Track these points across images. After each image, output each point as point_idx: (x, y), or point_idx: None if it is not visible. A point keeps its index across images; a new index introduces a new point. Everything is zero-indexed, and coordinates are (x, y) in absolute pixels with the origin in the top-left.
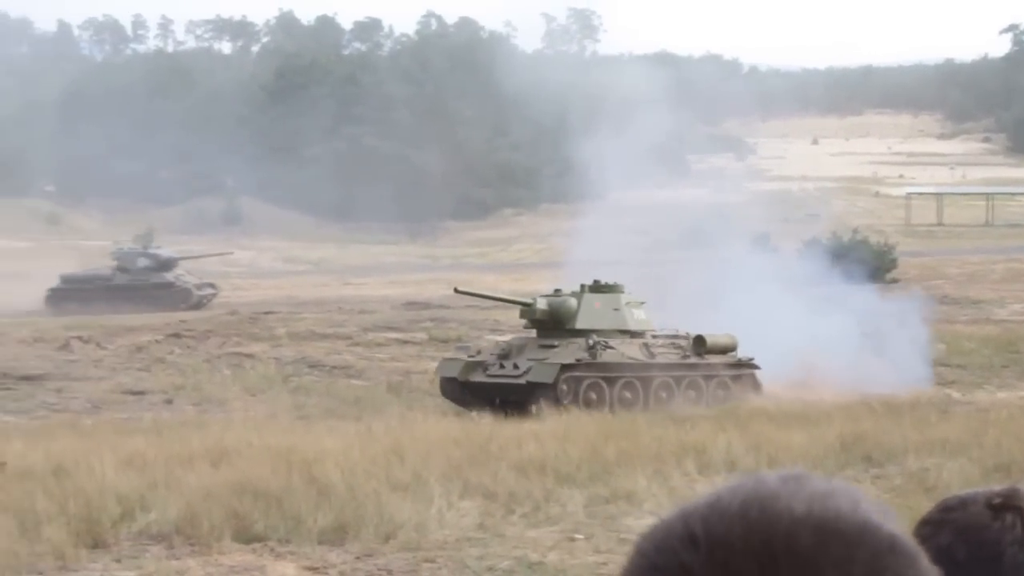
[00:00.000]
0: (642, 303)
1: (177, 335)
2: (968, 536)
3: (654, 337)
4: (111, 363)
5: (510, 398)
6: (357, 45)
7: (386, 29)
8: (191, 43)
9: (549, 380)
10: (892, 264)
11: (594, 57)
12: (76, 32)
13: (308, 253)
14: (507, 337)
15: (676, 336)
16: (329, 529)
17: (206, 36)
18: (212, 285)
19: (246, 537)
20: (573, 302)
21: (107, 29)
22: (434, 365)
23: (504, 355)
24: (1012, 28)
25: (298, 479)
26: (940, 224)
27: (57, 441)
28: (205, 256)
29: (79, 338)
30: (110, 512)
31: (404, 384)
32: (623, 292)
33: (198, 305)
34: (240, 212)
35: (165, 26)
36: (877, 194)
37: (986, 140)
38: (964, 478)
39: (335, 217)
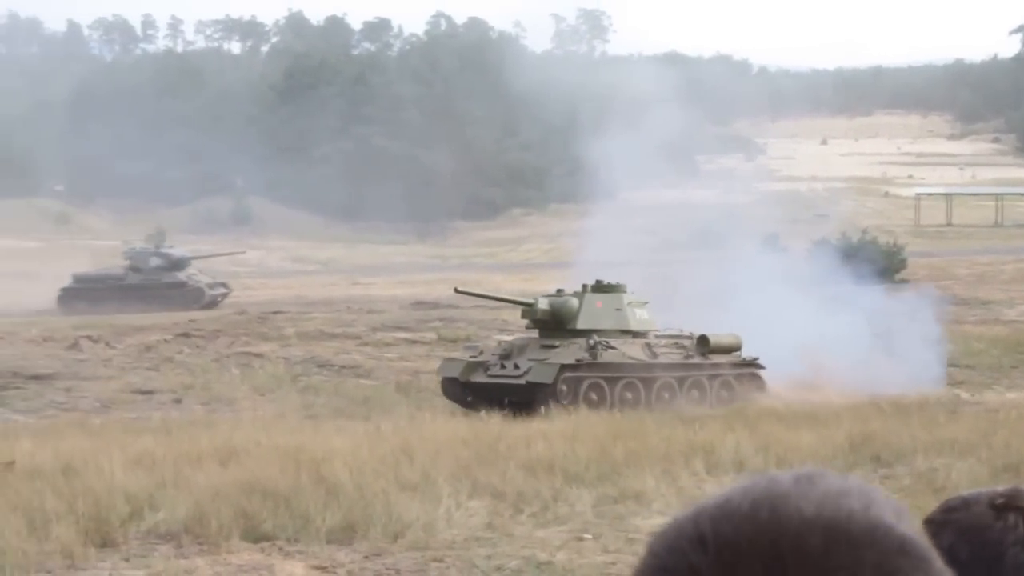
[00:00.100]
0: (645, 303)
1: (186, 335)
2: (971, 536)
3: (657, 337)
4: (120, 362)
5: (510, 399)
6: (366, 45)
7: (395, 29)
8: (201, 43)
9: (548, 380)
10: (901, 264)
11: (603, 57)
12: (86, 32)
13: (317, 253)
14: (515, 337)
15: (680, 336)
16: (338, 528)
17: (216, 36)
18: (224, 284)
19: (255, 536)
20: (574, 302)
21: (117, 29)
22: None
23: (505, 355)
24: (1022, 29)
25: (307, 478)
26: (949, 224)
27: (66, 440)
28: (218, 255)
29: (88, 337)
30: (119, 511)
31: (413, 384)
32: (625, 292)
33: (211, 305)
34: (249, 212)
35: (175, 26)
36: (886, 194)
37: (996, 140)
38: (973, 478)
39: (344, 217)
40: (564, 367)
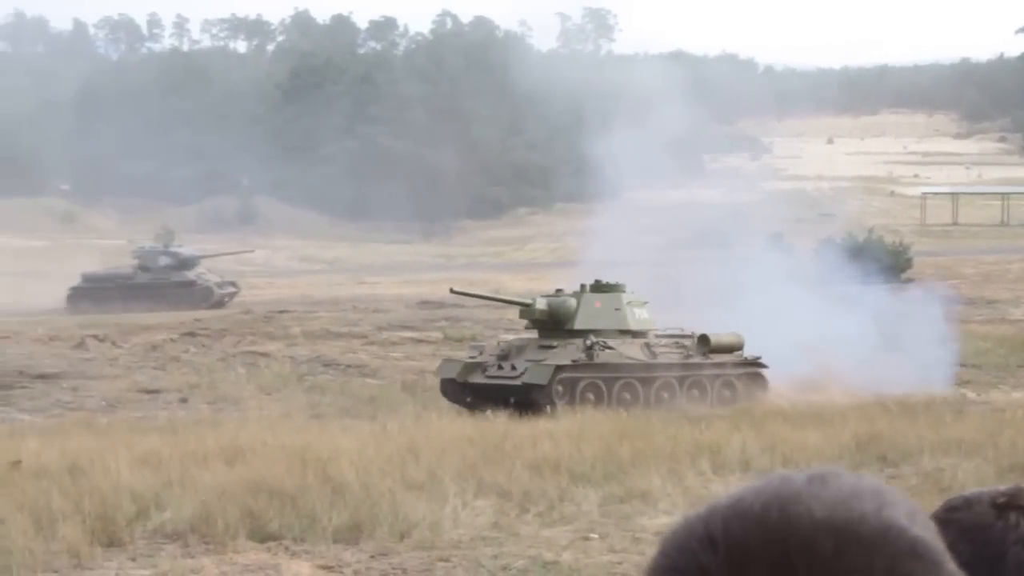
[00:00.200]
0: (645, 302)
1: (192, 334)
2: (972, 535)
3: (657, 337)
4: (126, 362)
5: (508, 399)
6: (372, 44)
7: (401, 28)
8: (206, 42)
9: (543, 382)
10: (907, 264)
11: (609, 56)
12: (92, 31)
13: (323, 252)
14: (514, 337)
15: (680, 336)
16: (344, 528)
17: (221, 35)
18: (233, 283)
19: (261, 536)
20: (572, 302)
21: (122, 28)
22: None
23: (503, 356)
24: None
25: (313, 478)
26: (955, 224)
27: (72, 439)
28: (226, 254)
29: (94, 337)
30: (125, 511)
31: (419, 383)
32: (625, 292)
33: (219, 304)
34: (255, 211)
35: (180, 25)
36: (892, 194)
37: (1002, 140)
38: (979, 478)
39: (350, 216)
40: (560, 368)
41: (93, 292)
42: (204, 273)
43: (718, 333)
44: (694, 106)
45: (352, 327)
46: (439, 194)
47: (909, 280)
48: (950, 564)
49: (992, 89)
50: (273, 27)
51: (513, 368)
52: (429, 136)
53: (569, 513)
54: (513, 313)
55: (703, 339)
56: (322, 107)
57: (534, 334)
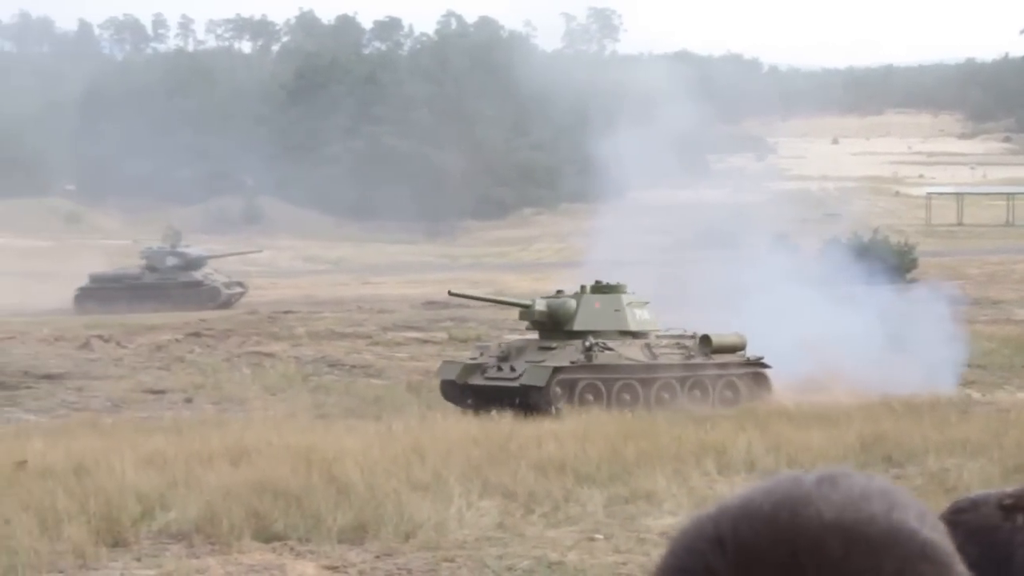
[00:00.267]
0: (646, 303)
1: (197, 334)
2: (979, 537)
3: (658, 337)
4: (131, 362)
5: (506, 401)
6: (377, 44)
7: (406, 28)
8: (211, 42)
9: (541, 383)
10: (912, 264)
11: (614, 57)
12: (97, 31)
13: (327, 252)
14: (514, 339)
15: (682, 336)
16: (349, 528)
17: (226, 35)
18: (241, 284)
19: (266, 536)
20: (572, 303)
21: (128, 28)
22: None
23: (503, 357)
24: None
25: (318, 478)
26: (960, 224)
27: (77, 440)
28: (234, 255)
29: (99, 337)
30: (130, 511)
31: (424, 384)
32: (625, 292)
33: (227, 304)
34: (259, 211)
35: (185, 25)
36: (897, 194)
37: (1007, 140)
38: (984, 479)
39: (354, 216)
40: (557, 369)
41: (101, 292)
42: (211, 273)
43: (720, 333)
44: (699, 106)
45: (357, 327)
46: (444, 194)
47: (914, 280)
48: (960, 566)
49: (997, 89)
50: (278, 27)
51: (512, 370)
52: (434, 136)
53: (574, 514)
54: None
55: (705, 339)
56: (327, 107)
57: (535, 335)
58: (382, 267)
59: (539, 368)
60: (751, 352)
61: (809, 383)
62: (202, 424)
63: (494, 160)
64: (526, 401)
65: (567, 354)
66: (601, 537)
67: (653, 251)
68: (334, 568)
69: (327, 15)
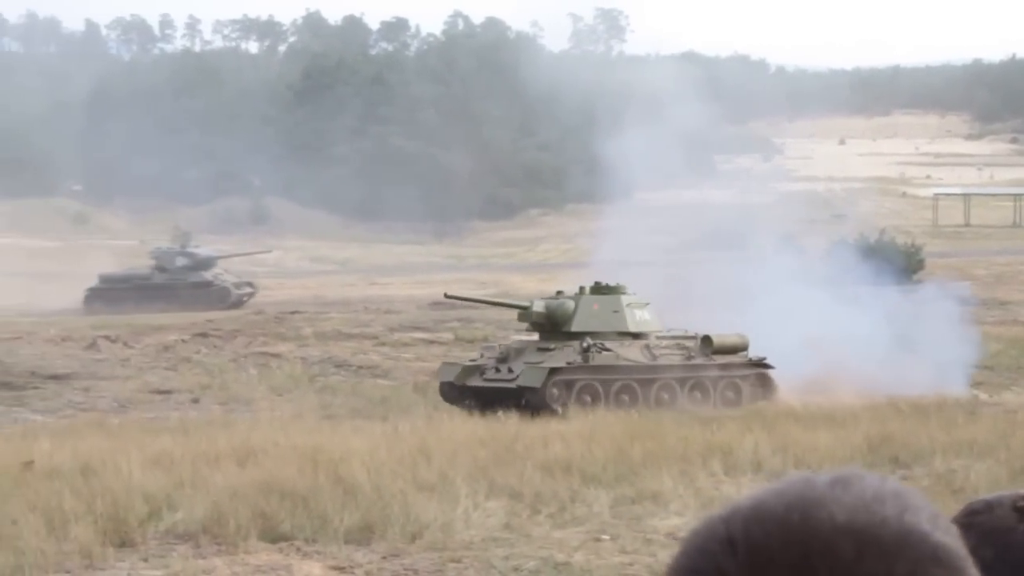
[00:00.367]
0: (646, 304)
1: (204, 334)
2: (994, 539)
3: (659, 338)
4: (138, 362)
5: (504, 402)
6: (384, 45)
7: (413, 29)
8: (218, 43)
9: (537, 384)
10: (919, 265)
11: (621, 57)
12: (104, 32)
13: (334, 253)
14: (514, 340)
15: (683, 337)
16: (355, 529)
17: (233, 36)
18: (250, 284)
19: (272, 536)
20: (570, 304)
21: (135, 29)
22: None
23: (503, 359)
24: None
25: (324, 479)
26: (967, 225)
27: (84, 440)
28: (244, 255)
29: (106, 337)
30: (137, 511)
31: (430, 384)
32: (625, 293)
33: (237, 304)
34: (267, 212)
35: (192, 26)
36: (904, 195)
37: (1014, 141)
38: (991, 480)
39: (361, 217)
40: (554, 371)
41: (111, 293)
42: (221, 274)
43: (721, 334)
44: (706, 107)
45: (364, 328)
46: (451, 195)
47: (921, 282)
48: (972, 570)
49: (1004, 90)
50: (285, 28)
51: (510, 371)
52: (441, 137)
53: (580, 514)
54: None
55: (706, 340)
56: (334, 108)
57: (537, 336)
58: (389, 268)
59: (536, 369)
60: (756, 353)
61: (816, 384)
62: (209, 424)
63: (501, 161)
64: (523, 402)
65: (565, 355)
66: (607, 538)
67: (659, 252)
68: (341, 568)
69: (334, 16)
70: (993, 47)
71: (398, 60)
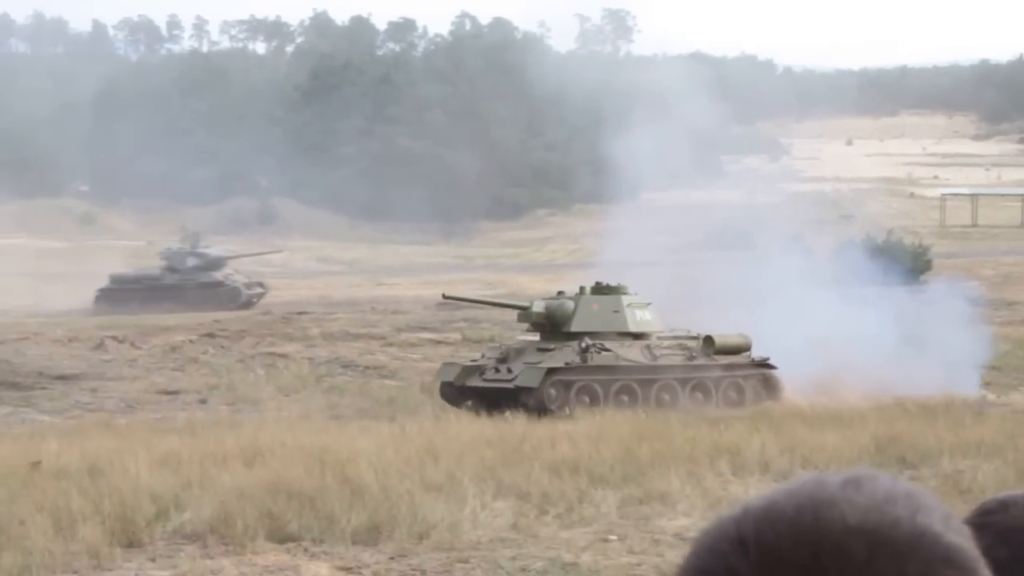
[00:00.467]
0: (647, 304)
1: (211, 335)
2: (1009, 538)
3: (660, 338)
4: (145, 363)
5: (504, 402)
6: (391, 45)
7: (420, 29)
8: (225, 43)
9: (535, 384)
10: (927, 265)
11: (628, 57)
12: (111, 32)
13: (341, 253)
14: (514, 341)
15: (685, 337)
16: (363, 529)
17: (240, 36)
18: (261, 284)
19: (280, 537)
20: (570, 304)
21: (142, 29)
22: None
23: (502, 359)
24: None
25: (332, 479)
26: (975, 225)
27: (92, 440)
28: (253, 255)
29: (113, 338)
30: (145, 511)
31: (436, 385)
32: (626, 293)
33: (247, 304)
34: (274, 212)
35: (200, 26)
36: (912, 195)
37: (1022, 141)
38: (999, 480)
39: (368, 217)
40: (552, 371)
41: (121, 293)
42: (232, 274)
43: (724, 334)
44: (713, 107)
45: (371, 328)
46: (458, 195)
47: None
48: (984, 571)
49: (1012, 90)
50: (292, 28)
51: (509, 371)
52: (448, 137)
53: (588, 515)
54: None
55: (708, 340)
56: (341, 108)
57: (536, 336)
58: (396, 268)
59: (534, 369)
60: (763, 353)
61: (823, 384)
62: (216, 425)
63: (508, 161)
64: (521, 402)
65: (563, 356)
66: (615, 538)
67: (666, 252)
68: (348, 569)
69: (341, 16)
70: (1001, 47)
71: (405, 60)
